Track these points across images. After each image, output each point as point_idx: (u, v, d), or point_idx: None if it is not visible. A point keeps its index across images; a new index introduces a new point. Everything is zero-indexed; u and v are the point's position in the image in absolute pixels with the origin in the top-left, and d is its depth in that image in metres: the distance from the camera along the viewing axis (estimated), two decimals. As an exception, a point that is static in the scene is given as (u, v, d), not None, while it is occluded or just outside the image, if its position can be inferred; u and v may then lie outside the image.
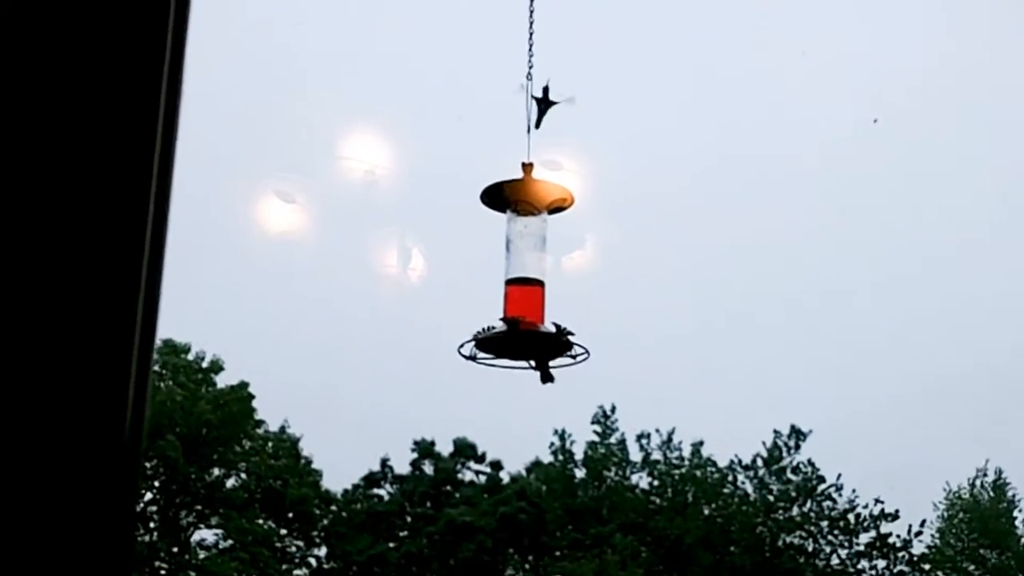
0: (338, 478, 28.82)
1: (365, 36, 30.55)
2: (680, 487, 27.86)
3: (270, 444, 27.88)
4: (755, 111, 30.59)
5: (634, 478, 28.21)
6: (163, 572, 26.13)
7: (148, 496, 26.04)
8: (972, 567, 27.71)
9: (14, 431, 1.12)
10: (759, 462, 27.57)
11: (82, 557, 1.12)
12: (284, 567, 27.68)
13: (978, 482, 28.25)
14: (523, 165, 3.54)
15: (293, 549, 28.12)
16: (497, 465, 29.66)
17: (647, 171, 28.96)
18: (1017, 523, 27.95)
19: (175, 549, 26.38)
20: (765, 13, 29.23)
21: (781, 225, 31.04)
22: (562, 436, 28.41)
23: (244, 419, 27.05)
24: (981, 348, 29.61)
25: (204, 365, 27.41)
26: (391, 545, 28.11)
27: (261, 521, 27.13)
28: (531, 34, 3.65)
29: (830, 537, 27.24)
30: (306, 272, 29.41)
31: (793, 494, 27.26)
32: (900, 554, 27.12)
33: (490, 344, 3.44)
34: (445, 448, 29.72)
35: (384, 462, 29.66)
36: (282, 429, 28.26)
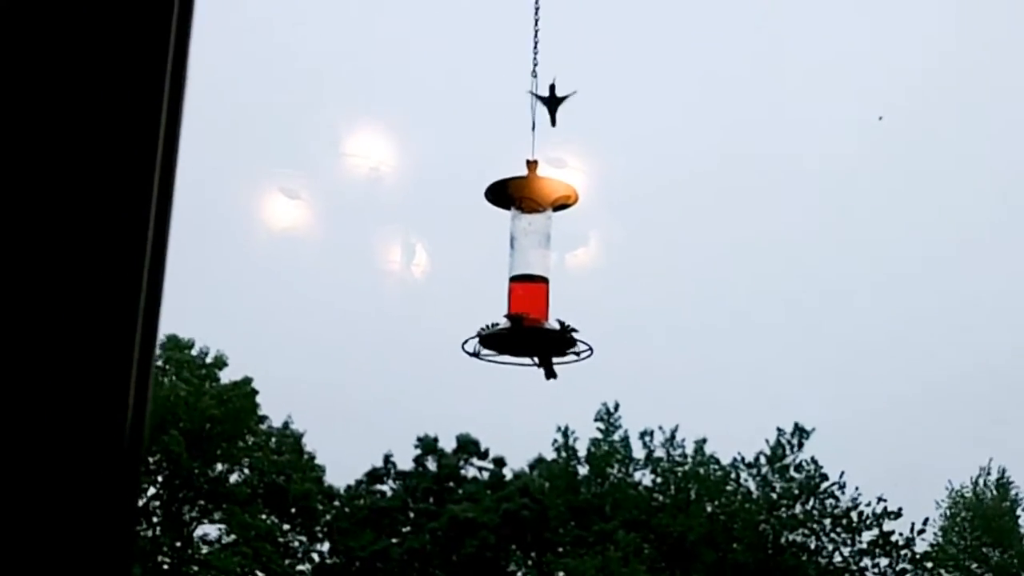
0: (341, 474, 28.88)
1: (370, 34, 30.57)
2: (683, 484, 27.85)
3: (273, 440, 27.91)
4: (757, 111, 30.65)
5: (637, 475, 28.20)
6: (166, 567, 26.16)
7: (151, 491, 26.08)
8: (975, 565, 27.69)
9: (15, 427, 1.12)
10: (762, 460, 27.55)
11: (83, 551, 1.12)
12: (287, 562, 27.71)
13: (981, 480, 28.24)
14: (527, 162, 3.54)
15: (296, 544, 28.16)
16: (500, 462, 29.68)
17: (650, 170, 28.99)
18: (1020, 522, 27.94)
19: (178, 544, 26.42)
20: (766, 14, 29.28)
21: (784, 224, 31.05)
22: (565, 433, 28.39)
23: (247, 415, 27.07)
24: (983, 347, 29.63)
25: (208, 361, 27.44)
26: (394, 541, 28.14)
27: (264, 516, 27.16)
28: (536, 31, 3.66)
29: (833, 535, 27.22)
30: (310, 268, 29.46)
31: (796, 492, 27.24)
32: (903, 552, 27.10)
33: (494, 341, 3.44)
34: (448, 444, 29.76)
35: (387, 458, 29.69)
36: (285, 425, 28.30)
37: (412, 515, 28.85)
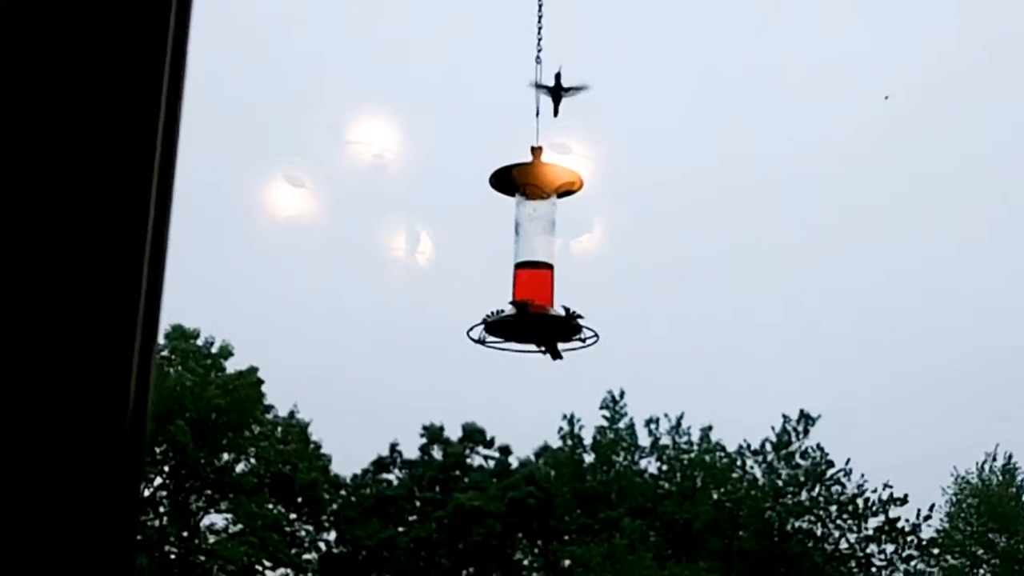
0: (347, 463, 28.91)
1: (373, 20, 30.51)
2: (689, 472, 27.87)
3: (279, 429, 27.94)
4: (759, 108, 30.71)
5: (643, 463, 28.23)
6: (173, 556, 26.21)
7: (158, 481, 26.12)
8: (981, 551, 27.69)
9: (17, 418, 1.12)
10: (768, 447, 27.56)
11: (86, 542, 1.12)
12: (294, 552, 27.75)
13: (987, 466, 28.23)
14: (532, 149, 3.54)
15: (303, 533, 28.20)
16: (506, 450, 29.70)
17: (654, 159, 28.97)
18: (1026, 507, 27.94)
19: (185, 533, 26.47)
20: (767, 14, 29.30)
21: (788, 217, 31.09)
22: (571, 421, 28.42)
23: (253, 404, 27.09)
24: (988, 336, 29.68)
25: (213, 350, 27.45)
26: (400, 530, 28.18)
27: (271, 506, 27.20)
28: (539, 18, 3.65)
29: (839, 522, 27.24)
30: (315, 256, 29.46)
31: (802, 479, 27.25)
32: (909, 538, 27.12)
33: (499, 327, 3.44)
34: (454, 433, 29.78)
35: (393, 447, 29.73)
36: (291, 414, 28.32)
37: (418, 504, 28.89)
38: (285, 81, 29.30)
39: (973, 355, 29.49)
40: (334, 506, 28.64)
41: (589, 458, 28.37)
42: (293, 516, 27.95)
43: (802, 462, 27.32)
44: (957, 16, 29.94)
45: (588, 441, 28.37)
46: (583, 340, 3.45)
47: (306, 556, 28.27)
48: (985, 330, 30.32)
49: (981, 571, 27.83)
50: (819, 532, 27.25)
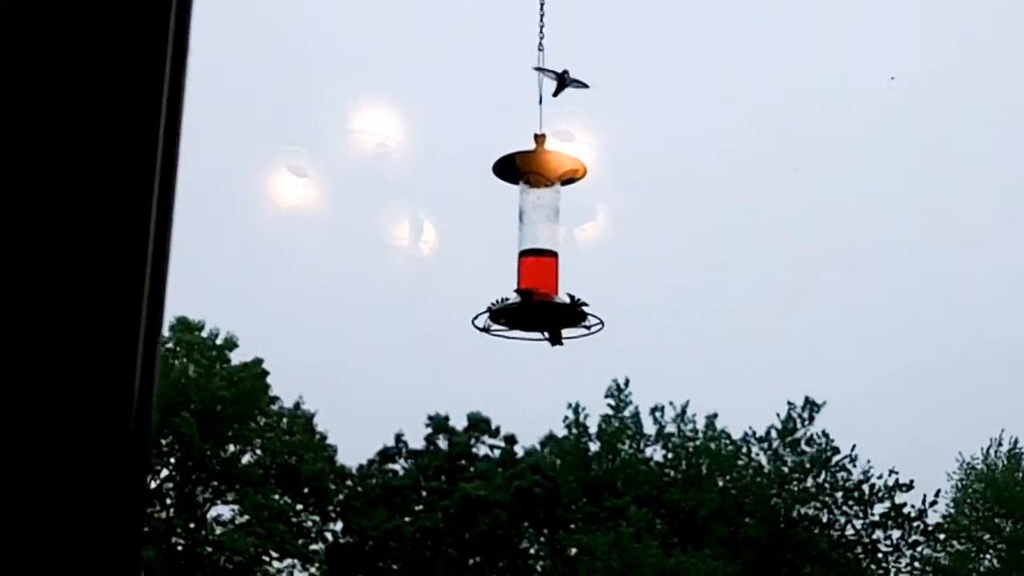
0: (353, 453, 28.94)
1: (375, 8, 30.49)
2: (694, 459, 27.89)
3: (285, 420, 27.97)
4: (760, 105, 30.72)
5: (648, 451, 28.26)
6: (180, 548, 26.27)
7: (164, 473, 26.17)
8: (987, 536, 27.72)
9: (22, 413, 1.12)
10: (773, 434, 27.58)
11: (92, 534, 1.12)
12: (300, 542, 27.81)
13: (992, 452, 28.25)
14: (535, 136, 3.53)
15: (309, 524, 28.25)
16: (511, 439, 29.72)
17: (658, 145, 28.96)
18: (1032, 492, 27.95)
19: (192, 525, 26.53)
20: (768, 13, 29.33)
21: (795, 202, 31.07)
22: (576, 410, 28.45)
23: (259, 395, 27.12)
24: (993, 323, 29.70)
25: (218, 342, 27.47)
26: (406, 519, 28.22)
27: (277, 496, 27.24)
28: (542, 4, 3.64)
29: (844, 508, 27.26)
30: (318, 246, 29.47)
31: (807, 466, 27.27)
32: (915, 524, 27.14)
33: (504, 315, 3.43)
34: (459, 423, 29.81)
35: (399, 437, 29.76)
36: (297, 405, 28.34)
37: (424, 494, 28.93)
38: (287, 71, 29.30)
39: (979, 341, 29.50)
40: (340, 496, 28.69)
41: (594, 447, 28.40)
42: (299, 507, 28.00)
43: (807, 449, 27.34)
44: (957, 17, 30.00)
45: (593, 430, 28.41)
46: (588, 327, 3.44)
47: (312, 547, 28.33)
48: (990, 316, 30.33)
49: (987, 556, 27.86)
50: (825, 518, 27.28)
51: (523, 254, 3.47)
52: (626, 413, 28.20)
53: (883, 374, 29.69)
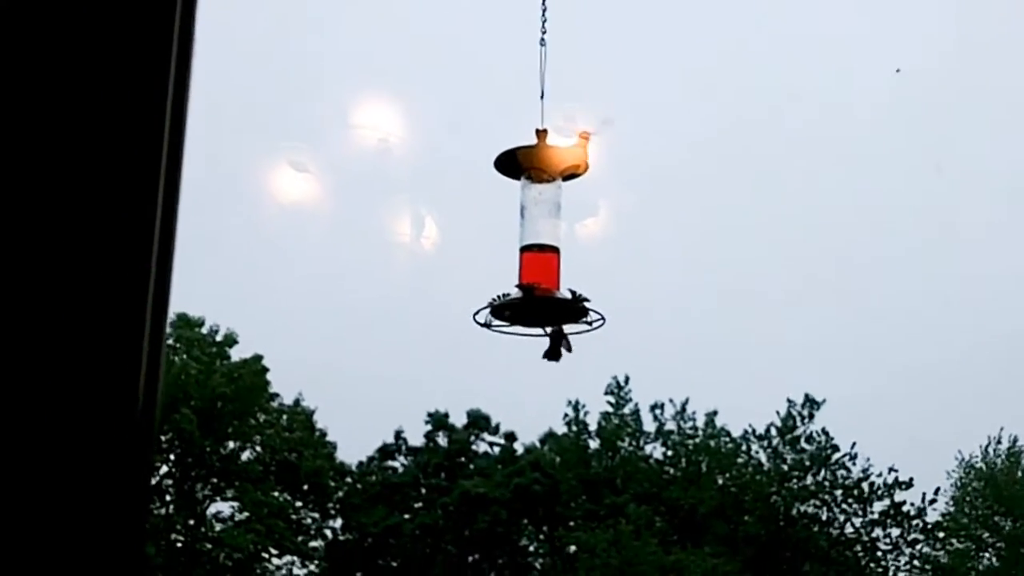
0: (353, 450, 28.95)
1: (378, 4, 30.49)
2: (694, 457, 27.89)
3: (284, 417, 27.96)
4: (761, 104, 30.75)
5: (648, 448, 28.26)
6: (180, 544, 26.27)
7: (164, 469, 26.17)
8: (986, 535, 27.72)
9: (28, 409, 1.12)
10: (773, 432, 27.57)
11: (96, 530, 1.12)
12: (300, 539, 27.82)
13: (991, 450, 28.24)
14: (537, 131, 3.52)
15: (308, 521, 28.25)
16: (511, 436, 29.72)
17: (661, 141, 28.94)
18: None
19: (191, 521, 26.52)
20: (768, 12, 29.35)
21: (793, 203, 31.09)
22: (576, 407, 28.44)
23: (258, 392, 27.12)
24: (994, 320, 29.70)
25: (218, 338, 27.47)
26: (406, 517, 28.22)
27: (276, 493, 27.24)
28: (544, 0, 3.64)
29: (844, 506, 27.26)
30: (319, 242, 29.48)
31: (807, 463, 27.27)
32: (914, 522, 27.14)
33: (506, 311, 3.43)
34: (459, 420, 29.80)
35: (398, 434, 29.75)
36: (296, 402, 28.34)
37: (424, 491, 28.93)
38: (289, 67, 29.28)
39: (978, 340, 29.51)
40: (340, 493, 28.69)
41: (594, 444, 28.40)
42: (299, 504, 28.01)
43: (807, 447, 27.34)
44: (957, 17, 30.03)
45: (593, 427, 28.41)
46: (590, 323, 3.43)
47: (312, 543, 28.34)
48: (990, 316, 30.35)
49: (986, 554, 27.87)
50: (824, 516, 27.28)
51: (524, 249, 3.46)
52: (626, 410, 28.19)
53: (883, 373, 29.70)
